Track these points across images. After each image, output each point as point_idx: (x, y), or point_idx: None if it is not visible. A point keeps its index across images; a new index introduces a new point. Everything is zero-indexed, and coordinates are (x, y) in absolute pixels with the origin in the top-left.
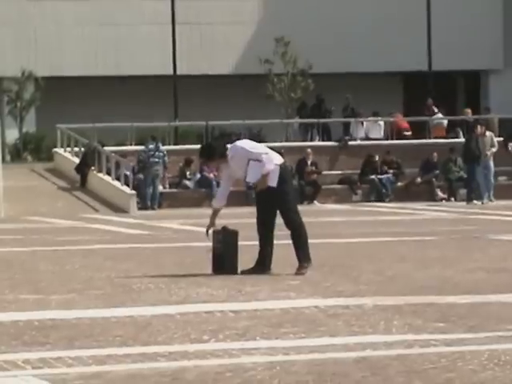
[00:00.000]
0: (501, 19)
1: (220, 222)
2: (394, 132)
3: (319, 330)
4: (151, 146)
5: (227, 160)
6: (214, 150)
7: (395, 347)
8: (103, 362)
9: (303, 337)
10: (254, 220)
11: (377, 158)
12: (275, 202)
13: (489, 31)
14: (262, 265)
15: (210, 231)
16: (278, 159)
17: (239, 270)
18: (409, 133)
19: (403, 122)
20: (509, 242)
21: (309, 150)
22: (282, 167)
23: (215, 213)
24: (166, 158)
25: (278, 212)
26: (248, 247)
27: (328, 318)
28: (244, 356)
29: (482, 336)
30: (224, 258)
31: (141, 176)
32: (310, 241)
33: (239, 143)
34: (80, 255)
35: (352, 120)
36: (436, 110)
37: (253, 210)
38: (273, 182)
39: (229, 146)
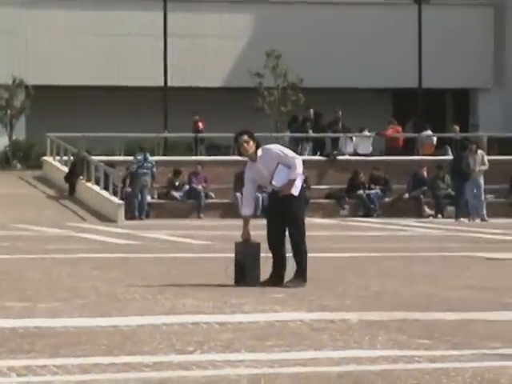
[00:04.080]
0: (491, 39)
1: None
2: (383, 142)
3: (304, 343)
4: (139, 157)
5: (256, 157)
6: (254, 135)
7: (379, 362)
8: (88, 371)
9: (287, 350)
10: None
11: (362, 175)
12: (288, 212)
13: (479, 50)
14: (276, 277)
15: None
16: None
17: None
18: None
19: (398, 140)
20: (495, 261)
21: None
22: (303, 179)
23: (246, 221)
24: (154, 169)
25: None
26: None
27: (313, 332)
28: (228, 368)
29: (466, 353)
30: (245, 270)
31: (129, 188)
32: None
33: (272, 146)
34: (67, 264)
35: (341, 135)
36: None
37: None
38: (296, 190)
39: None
